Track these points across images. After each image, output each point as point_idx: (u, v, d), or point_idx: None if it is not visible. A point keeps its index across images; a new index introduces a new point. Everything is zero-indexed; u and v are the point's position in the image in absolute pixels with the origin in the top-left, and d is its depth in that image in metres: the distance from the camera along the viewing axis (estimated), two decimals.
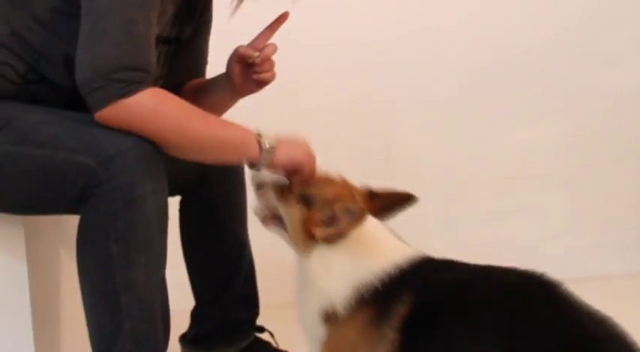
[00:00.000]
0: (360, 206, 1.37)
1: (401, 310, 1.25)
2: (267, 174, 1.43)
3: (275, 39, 1.60)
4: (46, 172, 1.32)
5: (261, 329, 1.88)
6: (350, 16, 2.62)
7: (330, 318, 1.34)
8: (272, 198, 1.45)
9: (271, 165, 1.39)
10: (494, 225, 2.77)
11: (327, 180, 1.44)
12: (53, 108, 1.42)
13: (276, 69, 1.63)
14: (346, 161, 2.53)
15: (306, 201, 1.40)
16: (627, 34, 2.79)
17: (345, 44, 2.60)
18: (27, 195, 1.38)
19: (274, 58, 1.61)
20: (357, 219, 1.34)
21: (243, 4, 1.54)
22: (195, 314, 1.88)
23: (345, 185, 1.44)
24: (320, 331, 1.36)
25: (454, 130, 2.75)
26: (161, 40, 1.53)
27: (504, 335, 1.16)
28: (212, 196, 1.79)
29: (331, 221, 1.36)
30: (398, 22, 2.66)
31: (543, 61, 2.77)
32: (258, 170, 1.40)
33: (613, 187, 2.86)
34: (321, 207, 1.38)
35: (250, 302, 1.87)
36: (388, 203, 1.47)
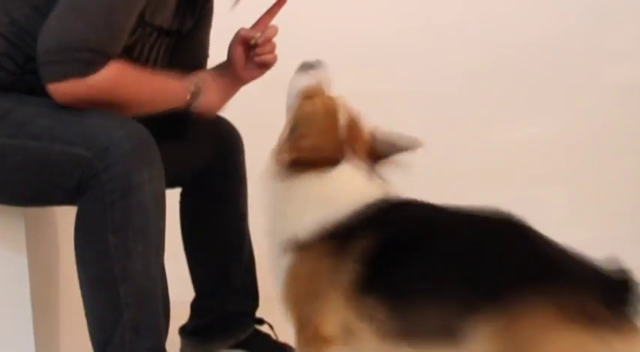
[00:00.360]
0: (333, 144, 1.37)
1: (364, 243, 1.27)
2: (311, 77, 1.49)
3: (276, 36, 1.61)
4: (42, 164, 1.33)
5: (261, 322, 1.88)
6: (350, 11, 2.61)
7: (293, 247, 1.35)
8: (292, 97, 1.49)
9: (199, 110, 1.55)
10: None
11: (323, 120, 1.42)
12: (48, 99, 1.42)
13: (277, 65, 1.63)
14: None
15: (294, 129, 1.41)
16: (628, 29, 2.78)
17: (346, 39, 2.59)
18: (23, 188, 1.38)
19: (275, 41, 1.61)
20: (307, 153, 1.34)
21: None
22: (195, 306, 1.88)
23: (336, 128, 1.42)
24: (284, 260, 1.37)
25: (455, 125, 2.75)
26: (162, 32, 1.54)
27: (465, 266, 1.20)
28: (212, 188, 1.79)
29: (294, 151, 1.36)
30: (398, 18, 2.65)
31: (544, 57, 2.76)
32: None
33: (614, 182, 2.85)
34: (293, 138, 1.39)
35: (250, 295, 1.87)
36: (389, 148, 1.47)
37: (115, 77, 1.36)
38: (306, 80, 1.49)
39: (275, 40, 1.61)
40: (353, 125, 1.44)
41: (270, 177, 1.42)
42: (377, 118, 2.63)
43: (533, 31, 2.73)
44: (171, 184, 1.56)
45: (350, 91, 2.59)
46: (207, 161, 1.75)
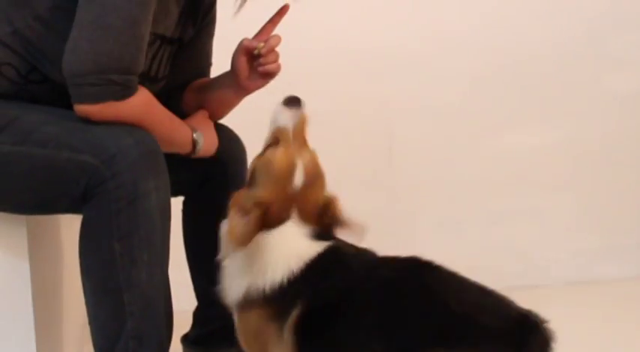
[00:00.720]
0: (278, 216, 1.35)
1: (294, 314, 1.31)
2: (288, 118, 1.43)
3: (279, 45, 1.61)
4: (48, 172, 1.33)
5: None
6: (353, 18, 2.62)
7: (238, 306, 1.40)
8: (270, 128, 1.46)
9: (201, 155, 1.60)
10: (497, 228, 2.76)
11: (280, 180, 1.37)
12: (54, 107, 1.42)
13: (280, 73, 1.63)
14: (349, 162, 2.55)
15: (252, 177, 1.40)
16: (631, 37, 2.79)
17: (349, 46, 2.60)
18: (29, 195, 1.38)
19: (278, 50, 1.61)
20: (265, 222, 1.33)
21: (247, 3, 1.55)
22: (197, 315, 1.87)
23: (291, 193, 1.38)
24: (235, 315, 1.43)
25: (457, 132, 2.75)
26: (165, 40, 1.54)
27: (382, 331, 1.25)
28: (215, 196, 1.78)
29: (246, 212, 1.33)
30: (401, 25, 2.66)
31: (547, 64, 2.76)
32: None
33: (618, 190, 2.85)
34: (250, 195, 1.37)
35: None
36: (338, 222, 1.42)
37: (145, 106, 1.39)
38: (285, 118, 1.43)
39: (278, 49, 1.61)
40: (309, 185, 1.39)
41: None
42: (380, 124, 2.66)
43: (536, 40, 2.73)
44: (174, 193, 1.55)
45: (354, 98, 2.62)
46: (210, 169, 1.75)
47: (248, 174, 1.43)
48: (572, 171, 2.81)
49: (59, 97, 1.43)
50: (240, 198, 1.37)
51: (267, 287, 1.33)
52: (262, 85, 1.65)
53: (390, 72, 2.66)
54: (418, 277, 1.30)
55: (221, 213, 1.79)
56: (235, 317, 1.43)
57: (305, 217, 1.38)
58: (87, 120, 1.33)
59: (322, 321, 1.30)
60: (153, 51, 1.51)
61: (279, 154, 1.39)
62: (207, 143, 1.61)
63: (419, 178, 2.48)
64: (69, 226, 1.63)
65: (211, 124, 1.67)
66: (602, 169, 2.83)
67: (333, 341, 1.29)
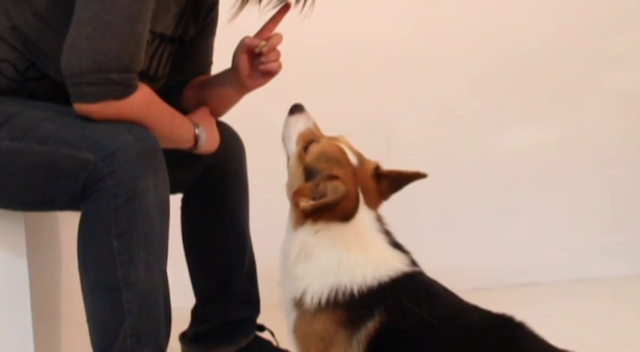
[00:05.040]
0: (353, 194, 1.35)
1: (370, 327, 1.27)
2: (307, 120, 1.51)
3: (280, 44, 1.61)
4: (47, 168, 1.32)
5: (262, 328, 1.87)
6: (354, 16, 2.62)
7: (300, 306, 1.36)
8: (293, 141, 1.49)
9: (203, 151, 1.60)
10: (496, 226, 2.76)
11: (339, 161, 1.40)
12: (53, 104, 1.41)
13: (281, 72, 1.63)
14: None
15: (309, 173, 1.40)
16: (630, 35, 2.79)
17: (349, 44, 2.60)
18: (28, 192, 1.37)
19: (279, 49, 1.61)
20: (338, 196, 1.32)
21: (245, 8, 1.54)
22: (195, 313, 1.87)
23: (352, 170, 1.41)
24: (292, 314, 1.39)
25: (456, 130, 2.75)
26: (165, 39, 1.53)
27: None
28: (214, 194, 1.79)
29: (318, 196, 1.35)
30: (401, 23, 2.66)
31: (545, 63, 2.76)
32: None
33: (616, 188, 2.85)
34: (316, 181, 1.37)
35: (251, 301, 1.86)
36: (396, 182, 1.46)
37: (146, 104, 1.37)
38: (302, 123, 1.50)
39: (279, 47, 1.61)
40: (362, 165, 1.43)
41: (289, 223, 1.42)
42: (380, 122, 2.66)
43: (534, 38, 2.73)
44: (173, 190, 1.55)
45: (353, 96, 2.61)
46: (209, 167, 1.75)
47: (302, 175, 1.41)
48: (570, 169, 2.82)
49: (58, 94, 1.43)
50: (305, 188, 1.36)
51: (355, 290, 1.30)
52: (263, 84, 1.65)
53: (390, 71, 2.66)
54: (507, 331, 1.25)
55: (219, 211, 1.80)
56: (295, 317, 1.38)
57: (368, 198, 1.40)
58: (86, 118, 1.33)
59: (398, 346, 1.26)
60: (152, 49, 1.51)
61: (326, 143, 1.43)
62: (209, 139, 1.60)
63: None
64: (67, 223, 1.63)
65: (213, 121, 1.67)
66: (600, 167, 2.83)
67: None
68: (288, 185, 1.46)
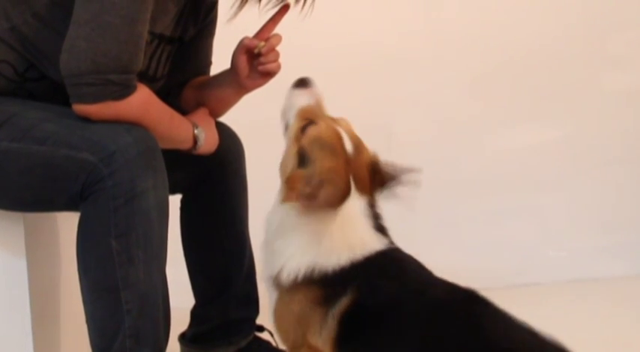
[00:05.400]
0: (344, 187, 1.33)
1: (343, 304, 1.29)
2: (310, 96, 1.48)
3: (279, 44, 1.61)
4: (46, 169, 1.32)
5: (261, 329, 1.87)
6: (353, 17, 2.62)
7: (278, 285, 1.37)
8: (292, 115, 1.47)
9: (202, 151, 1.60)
10: (496, 226, 2.77)
11: (334, 150, 1.39)
12: (52, 104, 1.41)
13: (279, 72, 1.63)
14: None
15: (302, 157, 1.39)
16: (629, 35, 2.79)
17: (348, 45, 2.60)
18: (27, 192, 1.37)
19: (278, 50, 1.61)
20: (335, 197, 1.31)
21: (245, 8, 1.54)
22: (195, 313, 1.87)
23: (349, 161, 1.40)
24: (273, 295, 1.40)
25: (456, 131, 2.75)
26: (164, 39, 1.53)
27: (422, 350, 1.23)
28: (213, 195, 1.79)
29: (313, 190, 1.32)
30: (400, 24, 2.66)
31: (544, 63, 2.77)
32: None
33: (616, 188, 2.86)
34: (310, 172, 1.36)
35: (250, 302, 1.86)
36: (388, 182, 1.46)
37: (145, 104, 1.37)
38: (305, 98, 1.48)
39: (279, 48, 1.61)
40: (359, 153, 1.42)
41: (278, 196, 1.42)
42: (379, 124, 2.66)
43: (534, 38, 2.73)
44: (172, 190, 1.55)
45: (353, 97, 2.61)
46: (208, 167, 1.75)
47: (296, 157, 1.40)
48: (570, 170, 2.82)
49: (57, 95, 1.43)
50: (299, 176, 1.36)
51: (330, 269, 1.32)
52: (262, 84, 1.65)
53: (389, 72, 2.66)
54: (470, 307, 1.27)
55: (219, 211, 1.80)
56: (275, 296, 1.39)
57: (361, 185, 1.39)
58: (85, 118, 1.33)
59: (368, 321, 1.28)
60: (151, 50, 1.51)
61: (324, 127, 1.41)
62: (208, 140, 1.60)
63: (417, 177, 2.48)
64: (66, 224, 1.63)
65: (212, 121, 1.67)
66: (600, 167, 2.83)
67: (371, 348, 1.28)
68: (282, 162, 1.45)
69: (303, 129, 1.42)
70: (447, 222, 2.77)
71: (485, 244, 2.74)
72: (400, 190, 1.46)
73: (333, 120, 1.46)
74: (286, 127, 1.50)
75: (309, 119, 1.44)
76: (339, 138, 1.40)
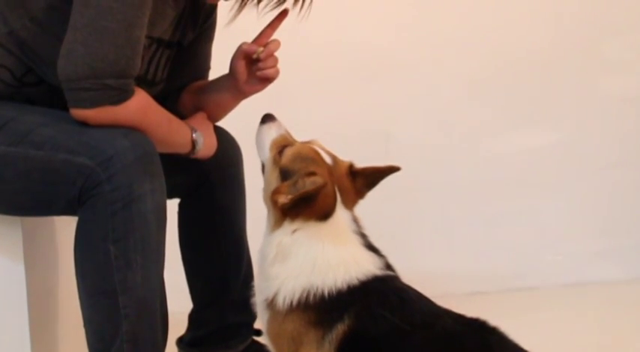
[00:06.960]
0: (330, 190, 1.37)
1: (340, 330, 1.29)
2: (279, 127, 1.53)
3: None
4: (43, 173, 1.32)
5: (259, 333, 1.87)
6: (350, 19, 2.62)
7: (272, 307, 1.37)
8: (266, 148, 1.51)
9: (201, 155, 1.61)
10: (494, 230, 2.77)
11: (314, 160, 1.43)
12: (49, 109, 1.41)
13: (279, 76, 1.63)
14: None
15: (285, 175, 1.42)
16: (626, 40, 2.80)
17: (346, 47, 2.60)
18: (25, 197, 1.37)
19: (277, 55, 1.61)
20: (317, 186, 1.34)
21: (244, 11, 1.54)
22: (192, 317, 1.87)
23: (327, 168, 1.43)
24: (265, 316, 1.40)
25: (453, 134, 2.76)
26: (163, 44, 1.54)
27: None
28: (211, 199, 1.79)
29: (301, 194, 1.35)
30: (398, 26, 2.66)
31: (542, 67, 2.77)
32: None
33: (613, 193, 2.86)
34: (295, 178, 1.39)
35: (248, 306, 1.85)
36: (371, 178, 1.49)
37: (142, 109, 1.37)
38: (274, 131, 1.52)
39: (277, 53, 1.61)
40: (337, 165, 1.46)
41: (267, 226, 1.44)
42: (376, 126, 2.66)
43: (532, 42, 2.74)
44: (170, 195, 1.55)
45: (350, 99, 2.62)
46: (206, 171, 1.75)
47: (278, 175, 1.43)
48: (568, 173, 2.82)
49: (55, 99, 1.43)
50: (284, 186, 1.38)
51: (326, 292, 1.31)
52: (260, 89, 1.66)
53: (386, 76, 2.66)
54: (483, 337, 1.26)
55: (216, 216, 1.80)
56: (268, 317, 1.39)
57: (345, 197, 1.41)
58: (83, 123, 1.33)
59: (367, 348, 1.28)
60: (150, 54, 1.51)
61: (300, 146, 1.46)
62: (206, 144, 1.60)
63: (415, 180, 2.48)
64: (64, 228, 1.63)
65: (210, 126, 1.67)
66: (597, 171, 2.83)
67: None
68: (265, 190, 1.48)
69: (280, 154, 1.46)
70: (444, 225, 2.77)
71: (483, 248, 2.74)
72: (383, 185, 1.48)
73: (306, 142, 1.50)
74: (263, 166, 1.53)
75: (283, 145, 1.48)
76: (317, 153, 1.45)
